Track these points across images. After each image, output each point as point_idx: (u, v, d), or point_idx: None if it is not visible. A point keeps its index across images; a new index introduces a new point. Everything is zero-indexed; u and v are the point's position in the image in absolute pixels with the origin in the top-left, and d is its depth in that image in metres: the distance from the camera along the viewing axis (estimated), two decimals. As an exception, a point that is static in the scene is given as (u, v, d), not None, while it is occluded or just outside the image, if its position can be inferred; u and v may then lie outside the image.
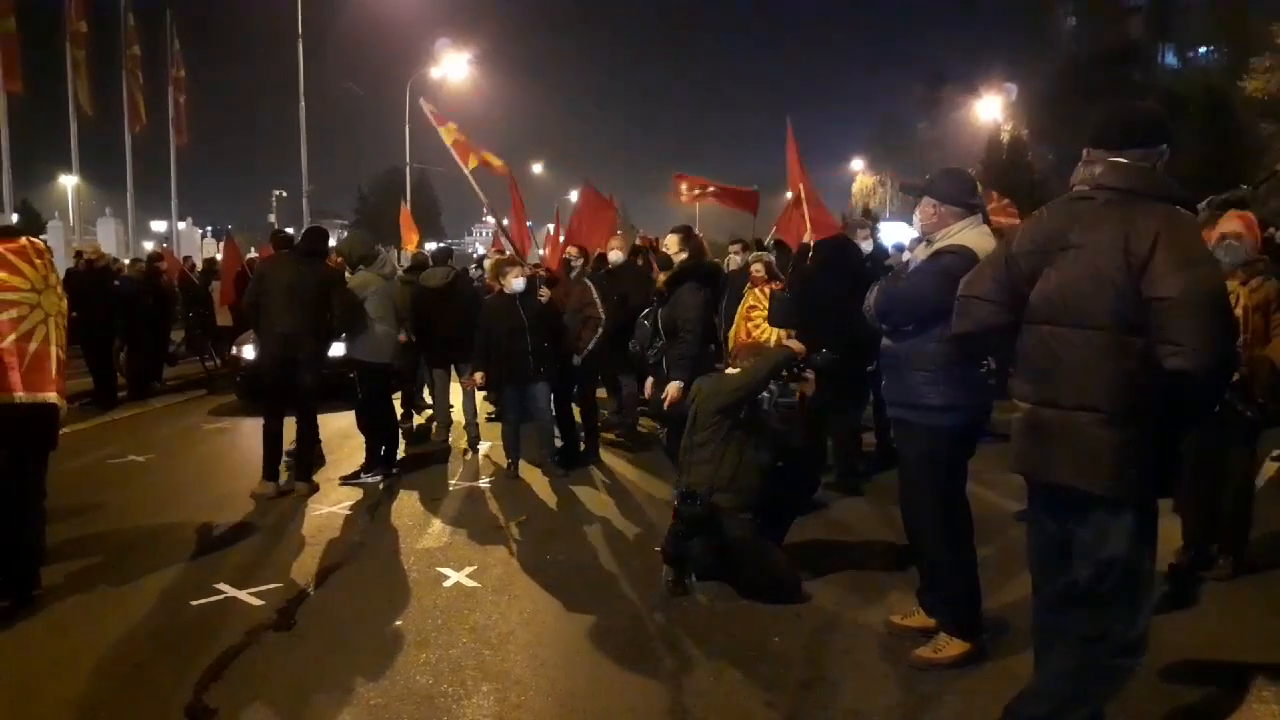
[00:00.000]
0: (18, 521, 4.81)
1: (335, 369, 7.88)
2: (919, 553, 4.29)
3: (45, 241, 5.17)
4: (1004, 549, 5.25)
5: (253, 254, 17.58)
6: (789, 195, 8.10)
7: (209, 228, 53.87)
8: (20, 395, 4.66)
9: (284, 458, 7.21)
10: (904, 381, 4.00)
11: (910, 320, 3.97)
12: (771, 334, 7.14)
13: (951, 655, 4.00)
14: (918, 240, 4.27)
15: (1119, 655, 2.93)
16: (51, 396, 4.77)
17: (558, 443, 7.99)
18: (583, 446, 8.24)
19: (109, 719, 3.71)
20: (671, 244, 6.98)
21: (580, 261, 9.00)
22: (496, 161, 11.40)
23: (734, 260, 9.47)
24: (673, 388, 6.10)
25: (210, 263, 18.61)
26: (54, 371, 4.79)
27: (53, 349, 4.79)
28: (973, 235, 3.91)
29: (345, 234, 9.72)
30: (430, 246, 13.07)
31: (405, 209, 17.30)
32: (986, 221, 4.08)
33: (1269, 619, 4.52)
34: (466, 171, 10.87)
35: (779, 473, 5.20)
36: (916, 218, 4.10)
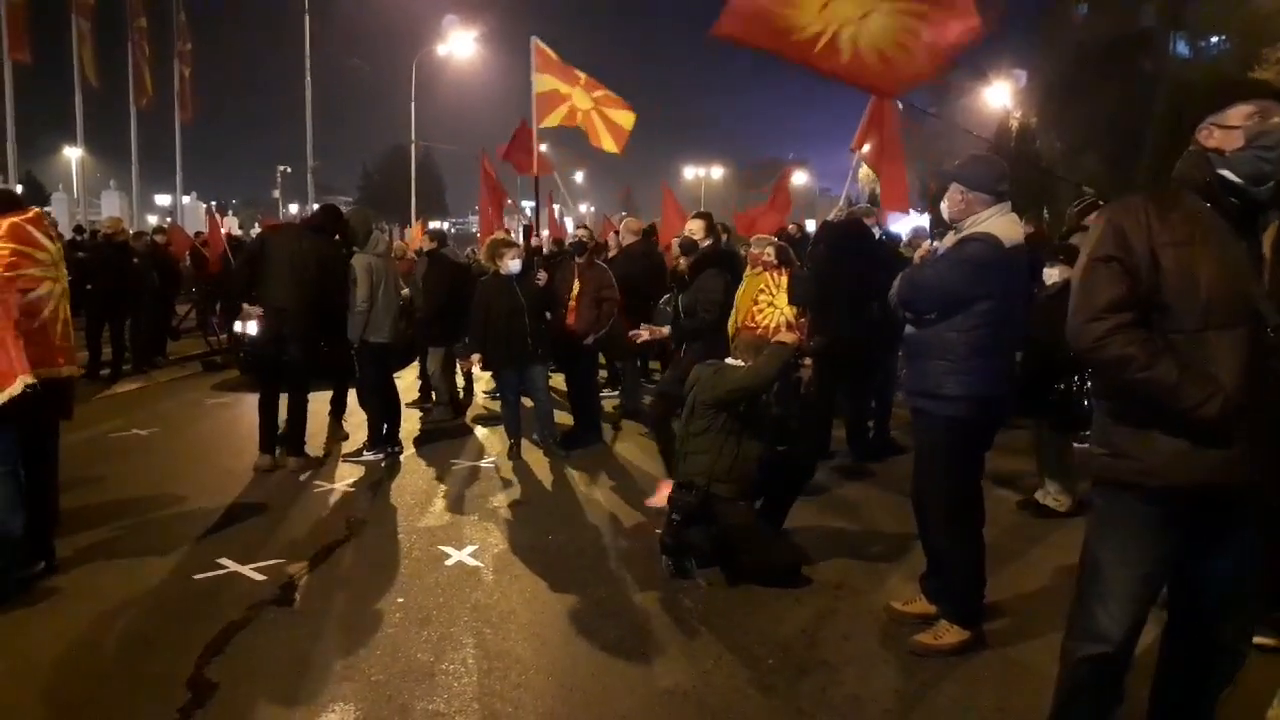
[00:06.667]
0: (49, 490, 5.04)
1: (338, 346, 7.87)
2: (927, 540, 4.30)
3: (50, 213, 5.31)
4: (1004, 538, 5.27)
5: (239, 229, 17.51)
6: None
7: (213, 202, 53.72)
8: (65, 370, 4.86)
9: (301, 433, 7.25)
10: (925, 370, 3.98)
11: (933, 309, 3.95)
12: (773, 317, 7.12)
13: (951, 642, 4.01)
14: (940, 229, 4.24)
15: None
16: (77, 370, 5.13)
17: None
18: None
19: (112, 692, 3.73)
20: (696, 230, 7.01)
21: (591, 244, 9.04)
22: (609, 142, 10.83)
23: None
24: (661, 329, 6.20)
25: (236, 239, 18.22)
26: (71, 344, 4.99)
27: (69, 324, 4.97)
28: (1000, 223, 3.87)
29: (348, 211, 9.66)
30: (434, 225, 13.05)
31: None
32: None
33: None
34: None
35: (777, 458, 5.20)
36: (944, 205, 4.04)
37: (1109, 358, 2.59)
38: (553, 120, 10.65)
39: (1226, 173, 2.56)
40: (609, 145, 10.83)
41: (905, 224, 17.10)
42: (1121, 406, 2.67)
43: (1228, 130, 2.59)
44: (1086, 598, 2.77)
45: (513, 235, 11.56)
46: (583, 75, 10.70)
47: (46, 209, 28.90)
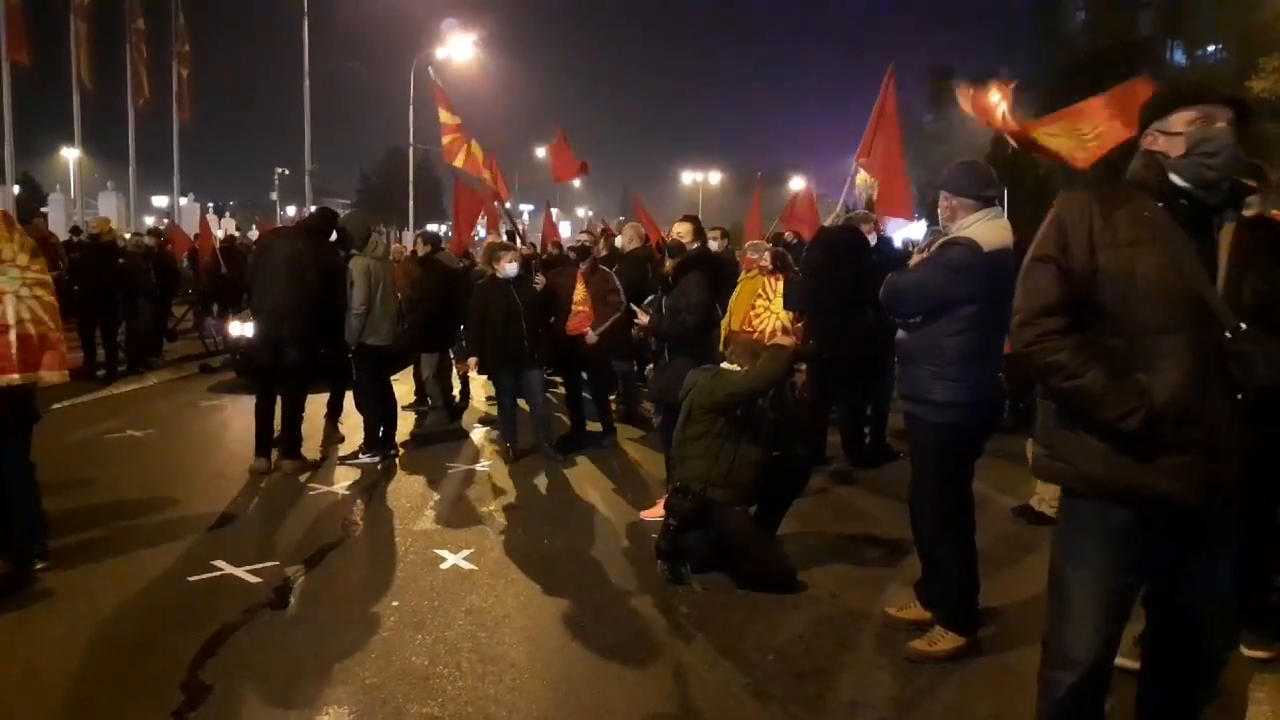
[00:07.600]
0: (28, 493, 4.97)
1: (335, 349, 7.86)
2: (921, 545, 4.31)
3: (8, 212, 5.05)
4: (999, 544, 5.28)
5: (240, 232, 17.51)
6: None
7: (210, 204, 53.67)
8: (8, 377, 4.64)
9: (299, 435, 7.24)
10: (914, 375, 4.00)
11: (915, 312, 3.97)
12: (770, 321, 7.13)
13: (946, 649, 4.01)
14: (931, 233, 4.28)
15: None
16: (14, 378, 4.71)
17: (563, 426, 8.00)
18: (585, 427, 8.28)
19: (106, 694, 3.72)
20: (684, 233, 6.98)
21: (596, 247, 9.05)
22: (485, 174, 10.76)
23: (712, 245, 9.51)
24: (646, 319, 6.36)
25: (230, 240, 18.33)
26: (15, 351, 4.69)
27: (13, 329, 4.69)
28: (981, 228, 3.89)
29: (346, 214, 9.61)
30: (432, 228, 12.96)
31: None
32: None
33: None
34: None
35: (773, 463, 5.20)
36: (940, 213, 4.09)
37: (1038, 364, 2.55)
38: (460, 160, 10.36)
39: (1174, 177, 2.49)
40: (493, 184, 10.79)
41: (916, 231, 17.17)
42: (1061, 408, 2.61)
43: (1171, 136, 2.51)
44: (1054, 617, 2.69)
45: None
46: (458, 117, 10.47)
47: (44, 209, 28.93)
